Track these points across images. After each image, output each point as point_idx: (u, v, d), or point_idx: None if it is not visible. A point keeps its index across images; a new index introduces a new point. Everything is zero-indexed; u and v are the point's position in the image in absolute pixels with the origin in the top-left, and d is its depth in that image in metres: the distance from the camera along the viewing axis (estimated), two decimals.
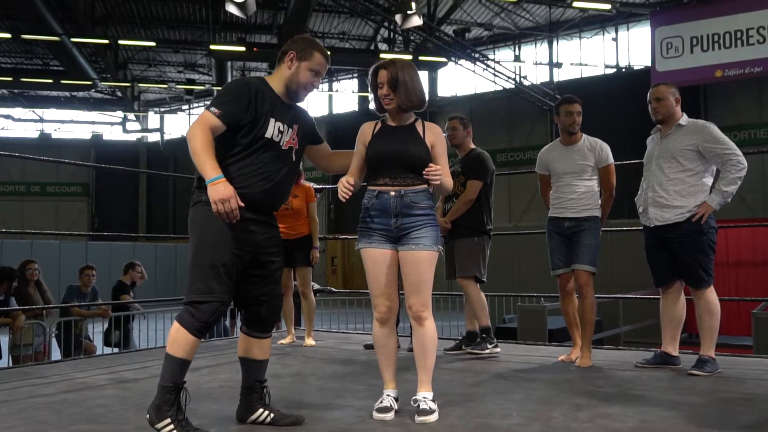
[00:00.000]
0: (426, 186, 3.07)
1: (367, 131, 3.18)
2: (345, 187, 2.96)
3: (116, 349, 7.55)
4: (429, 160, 3.05)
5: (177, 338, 2.70)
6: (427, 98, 3.14)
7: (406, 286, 3.03)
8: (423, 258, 2.98)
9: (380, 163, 3.06)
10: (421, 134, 3.09)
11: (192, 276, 2.74)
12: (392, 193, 3.01)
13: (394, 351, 3.12)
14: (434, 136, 3.10)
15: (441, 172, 2.94)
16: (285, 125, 2.87)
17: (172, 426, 2.65)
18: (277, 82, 2.92)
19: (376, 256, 3.05)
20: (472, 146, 4.99)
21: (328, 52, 3.03)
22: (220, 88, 2.83)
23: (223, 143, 2.76)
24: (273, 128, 2.82)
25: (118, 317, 8.00)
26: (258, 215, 2.84)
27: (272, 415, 2.91)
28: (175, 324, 2.73)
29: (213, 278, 2.71)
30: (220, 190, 2.60)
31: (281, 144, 2.87)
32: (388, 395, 3.06)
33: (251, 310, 2.94)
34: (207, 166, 2.64)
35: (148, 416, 2.69)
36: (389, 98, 3.04)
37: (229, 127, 2.75)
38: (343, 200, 2.99)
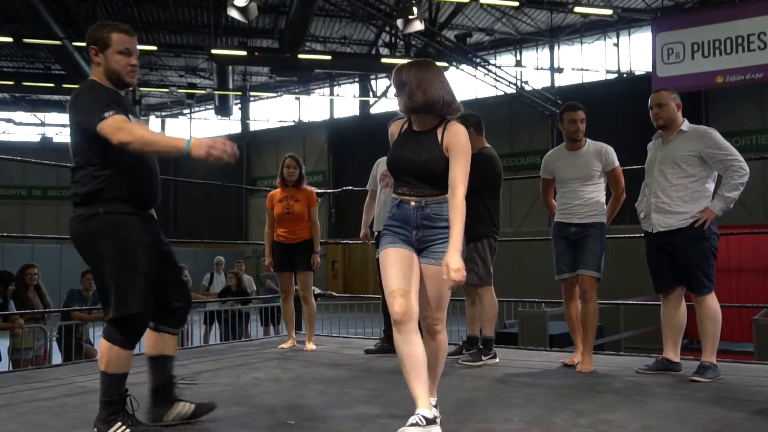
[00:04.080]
0: None
1: (394, 132, 3.00)
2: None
3: None
4: (447, 167, 2.82)
5: (112, 357, 2.71)
6: (444, 99, 2.83)
7: (422, 297, 2.82)
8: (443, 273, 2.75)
9: (397, 172, 2.90)
10: (440, 140, 2.83)
11: (118, 291, 2.68)
12: (413, 204, 2.82)
13: (422, 361, 2.74)
14: (450, 136, 2.82)
15: (452, 275, 2.60)
16: (132, 117, 2.85)
17: (124, 427, 2.68)
18: (100, 80, 2.85)
19: (392, 255, 2.80)
20: (484, 145, 4.79)
21: (128, 27, 2.90)
22: (86, 101, 2.72)
23: (96, 154, 2.71)
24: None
25: None
26: (149, 212, 2.87)
27: (192, 405, 2.94)
28: (106, 343, 2.71)
29: (141, 289, 2.72)
30: (204, 143, 2.53)
31: None
32: (419, 414, 2.65)
33: (164, 303, 2.90)
34: (169, 140, 2.61)
35: (95, 430, 2.71)
36: (398, 101, 2.89)
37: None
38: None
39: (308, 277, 5.56)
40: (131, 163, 2.76)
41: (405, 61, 2.99)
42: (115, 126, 2.60)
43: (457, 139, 2.81)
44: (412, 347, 2.71)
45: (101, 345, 2.73)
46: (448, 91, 2.85)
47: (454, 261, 2.62)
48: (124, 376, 2.75)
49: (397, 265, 2.77)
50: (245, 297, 10.55)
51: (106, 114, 2.62)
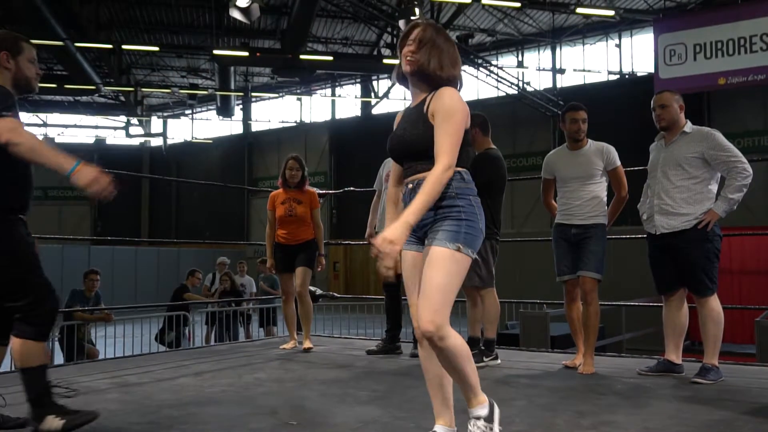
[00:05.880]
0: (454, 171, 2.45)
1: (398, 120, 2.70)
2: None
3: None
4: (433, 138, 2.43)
5: (28, 351, 2.73)
6: (455, 74, 2.54)
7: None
8: (433, 255, 2.36)
9: (392, 154, 2.62)
10: (425, 108, 2.47)
11: (33, 290, 2.75)
12: (410, 186, 2.52)
13: (440, 377, 2.55)
14: (434, 102, 2.44)
15: (378, 241, 2.23)
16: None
17: (58, 418, 2.71)
18: (4, 84, 2.85)
19: (404, 259, 2.57)
20: (489, 146, 4.75)
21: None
22: None
23: None
24: None
25: (171, 318, 9.08)
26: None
27: None
28: (18, 341, 2.73)
29: (46, 284, 2.82)
30: (89, 174, 2.59)
31: None
32: None
33: (9, 319, 2.86)
34: (56, 157, 2.63)
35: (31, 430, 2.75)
36: (408, 58, 2.49)
37: None
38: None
39: (306, 273, 5.49)
40: (15, 172, 2.79)
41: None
42: (9, 126, 2.65)
43: (438, 103, 2.42)
44: (432, 362, 2.50)
45: (14, 345, 2.76)
46: (454, 59, 2.54)
47: (390, 231, 2.25)
48: (43, 368, 2.79)
49: (412, 273, 2.53)
50: (239, 298, 10.65)
51: (5, 113, 2.67)
